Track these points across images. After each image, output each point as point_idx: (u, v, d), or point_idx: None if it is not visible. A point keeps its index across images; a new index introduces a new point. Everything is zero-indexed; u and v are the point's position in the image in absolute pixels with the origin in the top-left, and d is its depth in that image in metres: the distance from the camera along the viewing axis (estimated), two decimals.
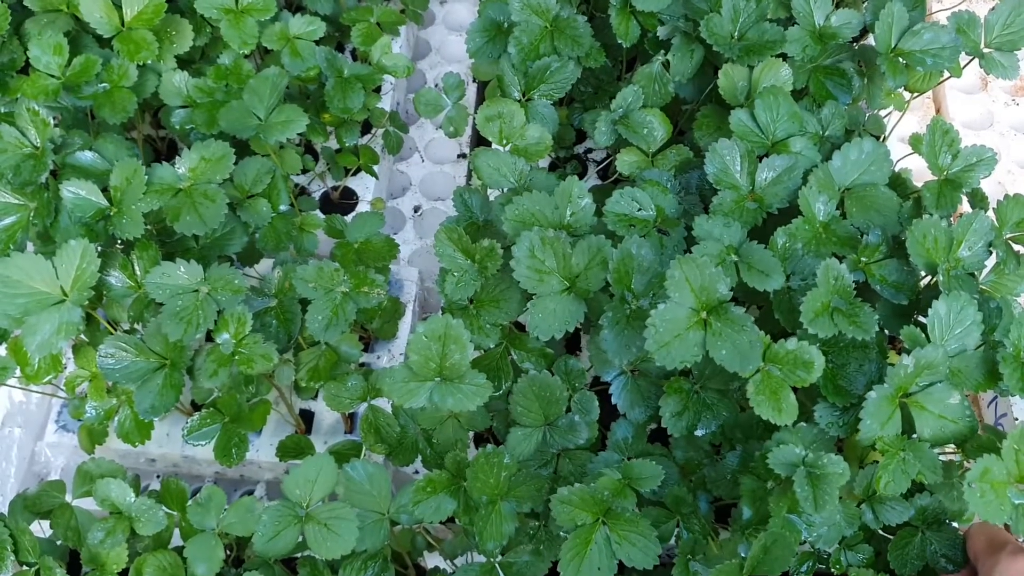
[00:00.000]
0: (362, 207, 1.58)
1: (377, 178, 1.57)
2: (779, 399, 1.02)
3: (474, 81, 1.78)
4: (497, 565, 1.10)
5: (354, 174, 1.58)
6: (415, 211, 1.68)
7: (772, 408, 1.02)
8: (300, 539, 1.03)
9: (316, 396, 1.36)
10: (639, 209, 1.19)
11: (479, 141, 1.71)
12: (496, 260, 1.13)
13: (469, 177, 1.70)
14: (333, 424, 1.38)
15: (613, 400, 1.15)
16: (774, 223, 1.17)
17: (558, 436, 1.11)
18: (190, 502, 1.10)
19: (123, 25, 1.33)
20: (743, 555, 1.03)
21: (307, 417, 1.39)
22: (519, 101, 1.34)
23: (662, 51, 1.33)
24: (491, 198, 1.28)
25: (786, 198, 1.19)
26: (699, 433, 1.12)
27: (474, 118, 1.55)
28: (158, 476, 1.45)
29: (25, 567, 1.08)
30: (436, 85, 1.81)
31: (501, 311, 1.15)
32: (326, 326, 1.15)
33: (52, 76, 1.33)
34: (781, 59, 1.29)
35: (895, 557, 1.08)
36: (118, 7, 1.33)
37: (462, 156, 1.73)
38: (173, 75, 1.38)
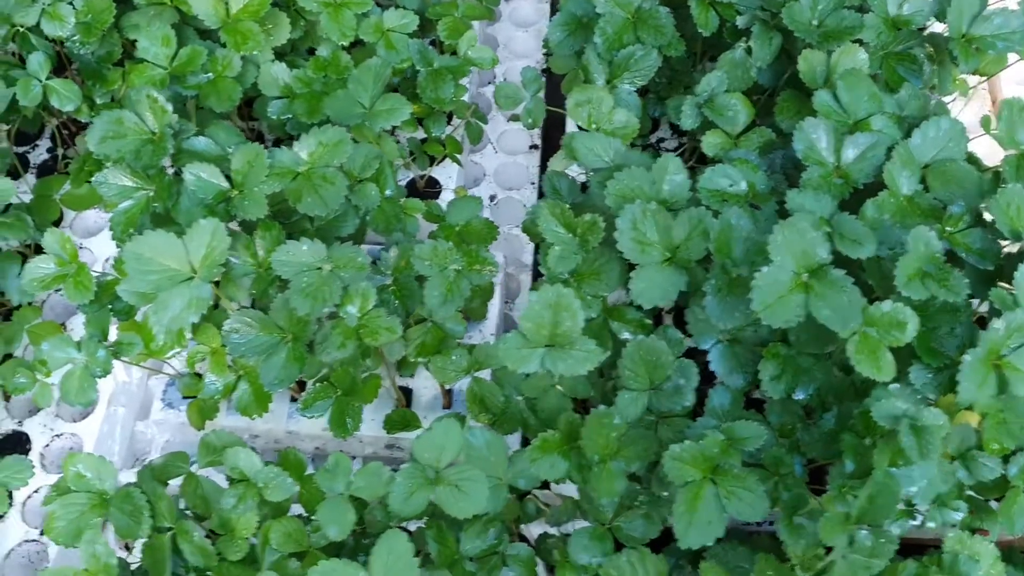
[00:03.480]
0: (445, 195, 1.64)
1: (462, 167, 1.64)
2: (877, 358, 1.08)
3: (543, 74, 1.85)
4: (608, 528, 1.16)
5: (437, 164, 1.64)
6: (491, 200, 1.74)
7: (872, 366, 1.07)
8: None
9: (414, 373, 1.42)
10: (731, 185, 1.25)
11: (550, 132, 1.76)
12: (598, 233, 1.19)
13: (542, 167, 1.76)
14: (431, 400, 1.44)
15: (711, 367, 1.21)
16: (859, 198, 1.23)
17: (664, 400, 1.16)
18: (318, 469, 1.15)
19: (228, 17, 1.40)
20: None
21: (405, 394, 1.44)
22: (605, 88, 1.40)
23: (743, 39, 1.39)
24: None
25: (870, 173, 1.24)
26: (797, 396, 1.17)
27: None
28: (255, 451, 1.50)
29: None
30: (503, 79, 1.87)
31: (602, 283, 1.21)
32: (442, 302, 1.21)
33: (159, 66, 1.39)
34: (857, 44, 1.35)
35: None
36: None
37: (534, 147, 1.79)
38: (272, 66, 1.44)
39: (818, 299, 1.07)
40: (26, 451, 1.41)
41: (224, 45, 1.42)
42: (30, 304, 1.46)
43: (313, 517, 1.20)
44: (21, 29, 1.51)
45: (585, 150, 1.28)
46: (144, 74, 1.39)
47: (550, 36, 1.51)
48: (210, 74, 1.41)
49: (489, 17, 1.64)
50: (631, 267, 1.19)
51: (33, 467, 1.26)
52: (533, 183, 1.74)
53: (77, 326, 1.52)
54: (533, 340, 1.12)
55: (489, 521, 1.15)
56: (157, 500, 1.14)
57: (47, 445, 1.42)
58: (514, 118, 1.77)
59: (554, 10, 1.97)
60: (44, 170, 1.68)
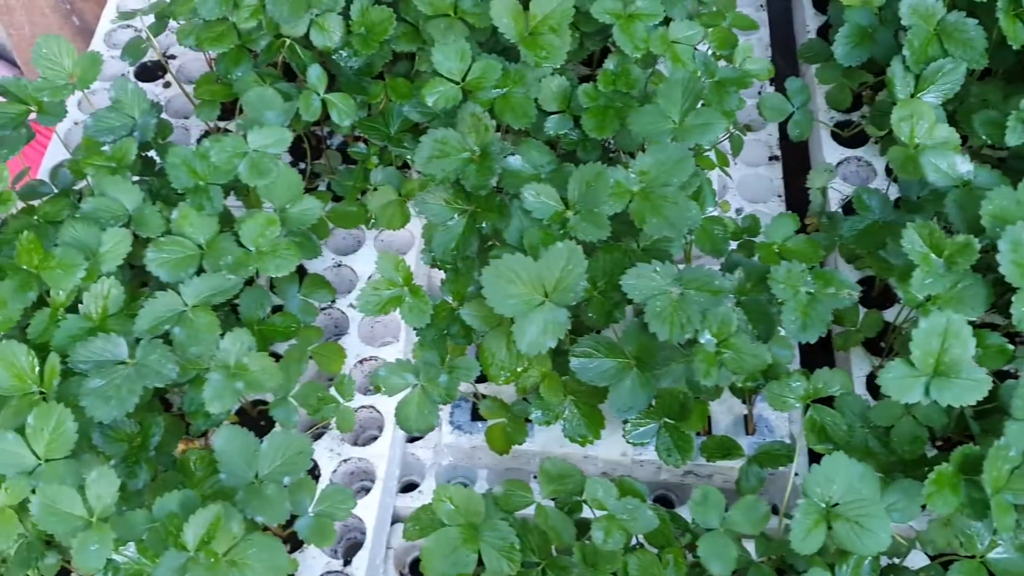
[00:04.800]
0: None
1: (731, 178, 1.59)
2: None
3: (771, 84, 1.80)
4: (981, 561, 1.11)
5: None
6: (737, 213, 1.69)
7: None
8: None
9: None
10: None
11: (788, 142, 1.71)
12: (971, 256, 1.14)
13: (786, 179, 1.71)
14: (730, 425, 1.39)
15: None
16: None
17: None
18: (692, 502, 1.11)
19: (527, 30, 1.35)
20: None
21: None
22: None
23: None
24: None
25: None
26: None
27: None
28: (534, 476, 1.46)
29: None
30: None
31: (965, 307, 1.16)
32: (801, 327, 1.16)
33: (452, 81, 1.35)
34: None
35: None
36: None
37: (774, 158, 1.74)
38: (554, 79, 1.40)
39: None
40: (315, 477, 1.36)
41: (515, 59, 1.38)
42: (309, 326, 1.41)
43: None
44: (288, 40, 1.47)
45: (931, 166, 1.23)
46: (436, 88, 1.35)
47: (836, 48, 1.47)
48: (503, 89, 1.36)
49: (754, 27, 1.59)
50: (999, 291, 1.15)
51: (354, 497, 1.22)
52: (779, 196, 1.69)
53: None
54: (920, 369, 1.07)
55: (862, 556, 1.10)
56: (526, 533, 1.10)
57: (335, 471, 1.38)
58: (745, 128, 1.72)
59: (773, 19, 1.93)
60: None
